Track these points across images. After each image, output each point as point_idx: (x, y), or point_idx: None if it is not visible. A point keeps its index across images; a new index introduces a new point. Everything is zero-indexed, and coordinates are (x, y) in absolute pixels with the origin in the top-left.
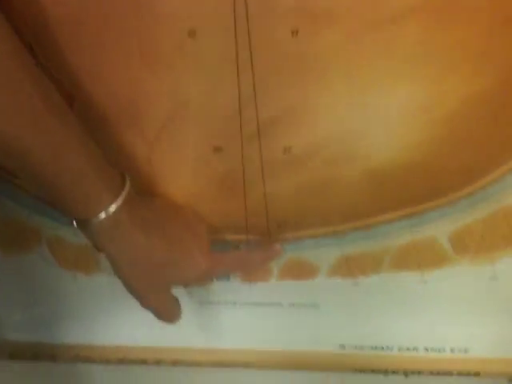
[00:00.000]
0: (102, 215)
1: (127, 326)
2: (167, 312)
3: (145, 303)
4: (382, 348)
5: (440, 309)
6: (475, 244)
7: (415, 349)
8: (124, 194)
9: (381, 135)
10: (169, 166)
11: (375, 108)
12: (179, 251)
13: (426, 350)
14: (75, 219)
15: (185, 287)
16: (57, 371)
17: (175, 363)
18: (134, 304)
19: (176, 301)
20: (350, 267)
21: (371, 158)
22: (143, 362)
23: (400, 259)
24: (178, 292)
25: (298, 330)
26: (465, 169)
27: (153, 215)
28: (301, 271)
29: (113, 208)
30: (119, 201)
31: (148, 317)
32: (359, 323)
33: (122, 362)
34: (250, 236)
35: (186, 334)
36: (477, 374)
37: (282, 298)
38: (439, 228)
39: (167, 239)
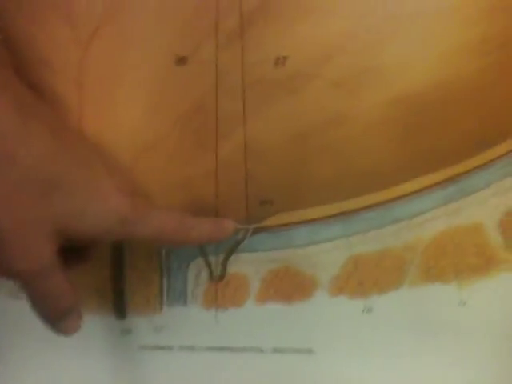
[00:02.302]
0: None
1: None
2: (54, 290)
3: (9, 254)
4: None
5: (490, 348)
6: None
7: None
8: None
9: (414, 41)
10: (104, 82)
11: None
12: (81, 169)
13: None
14: None
15: (84, 240)
16: None
17: None
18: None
19: (70, 283)
20: (361, 278)
21: (399, 79)
22: None
23: (430, 262)
24: (106, 324)
25: None
26: None
27: (46, 114)
28: (291, 287)
29: None
30: None
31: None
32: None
33: None
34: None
35: None
36: None
37: (261, 337)
38: (486, 207)
39: (62, 144)
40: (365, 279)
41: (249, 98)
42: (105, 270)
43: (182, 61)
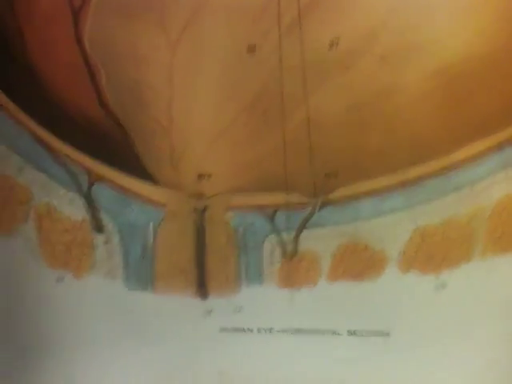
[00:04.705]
0: None
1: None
2: None
3: None
4: None
5: None
6: None
7: None
8: None
9: (448, 18)
10: (189, 73)
11: None
12: None
13: None
14: None
15: None
16: None
17: None
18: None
19: None
20: (429, 251)
21: (437, 53)
22: None
23: (498, 230)
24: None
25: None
26: None
27: None
28: (361, 263)
29: None
30: None
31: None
32: (452, 361)
33: None
34: (290, 194)
35: (202, 378)
36: None
37: (336, 319)
38: None
39: None
40: (434, 253)
41: (308, 77)
42: (189, 251)
43: (251, 48)
